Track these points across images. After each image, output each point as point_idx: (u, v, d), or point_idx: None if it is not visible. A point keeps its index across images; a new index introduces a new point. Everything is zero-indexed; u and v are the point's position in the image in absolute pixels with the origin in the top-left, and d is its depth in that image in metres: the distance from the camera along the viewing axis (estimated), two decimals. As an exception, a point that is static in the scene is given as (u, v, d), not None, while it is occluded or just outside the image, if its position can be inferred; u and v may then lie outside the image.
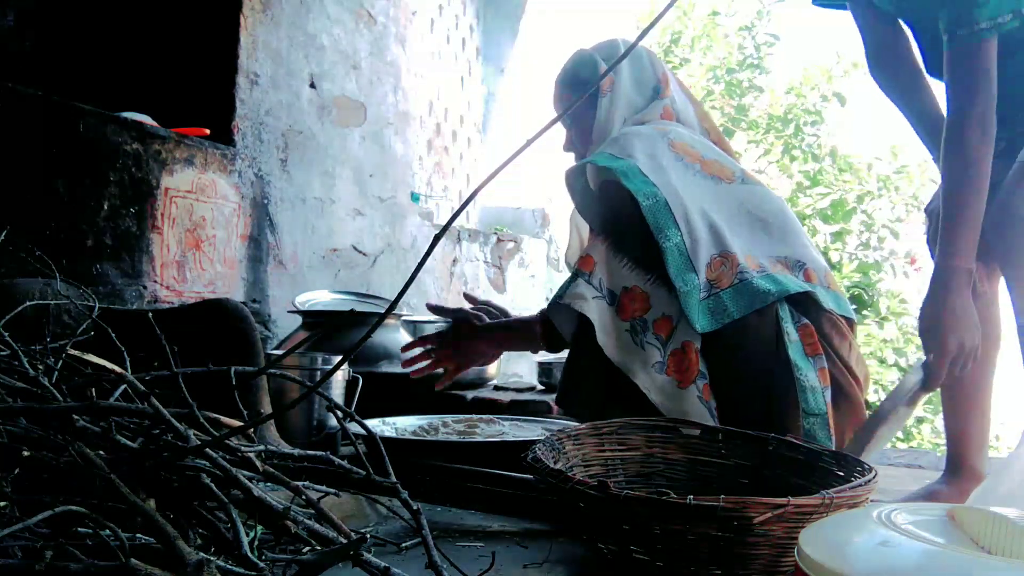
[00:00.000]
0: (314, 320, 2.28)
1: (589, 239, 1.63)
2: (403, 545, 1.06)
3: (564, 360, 1.67)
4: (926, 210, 1.67)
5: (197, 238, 2.28)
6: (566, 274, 1.81)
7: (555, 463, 1.14)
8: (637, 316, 1.48)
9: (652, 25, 0.84)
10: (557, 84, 1.79)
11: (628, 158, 1.52)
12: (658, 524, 0.94)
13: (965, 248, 1.37)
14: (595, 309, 1.50)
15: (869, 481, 1.00)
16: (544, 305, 1.72)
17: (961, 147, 1.36)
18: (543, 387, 2.50)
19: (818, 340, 1.46)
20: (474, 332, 1.71)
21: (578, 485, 0.99)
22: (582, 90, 1.73)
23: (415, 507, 0.86)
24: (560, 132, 1.85)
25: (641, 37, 0.77)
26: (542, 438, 1.66)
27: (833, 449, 1.27)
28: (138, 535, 0.80)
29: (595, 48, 1.77)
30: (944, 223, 1.39)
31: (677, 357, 1.43)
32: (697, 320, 1.41)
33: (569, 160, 1.83)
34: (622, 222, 1.51)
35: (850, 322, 1.54)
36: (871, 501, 1.12)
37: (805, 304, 1.49)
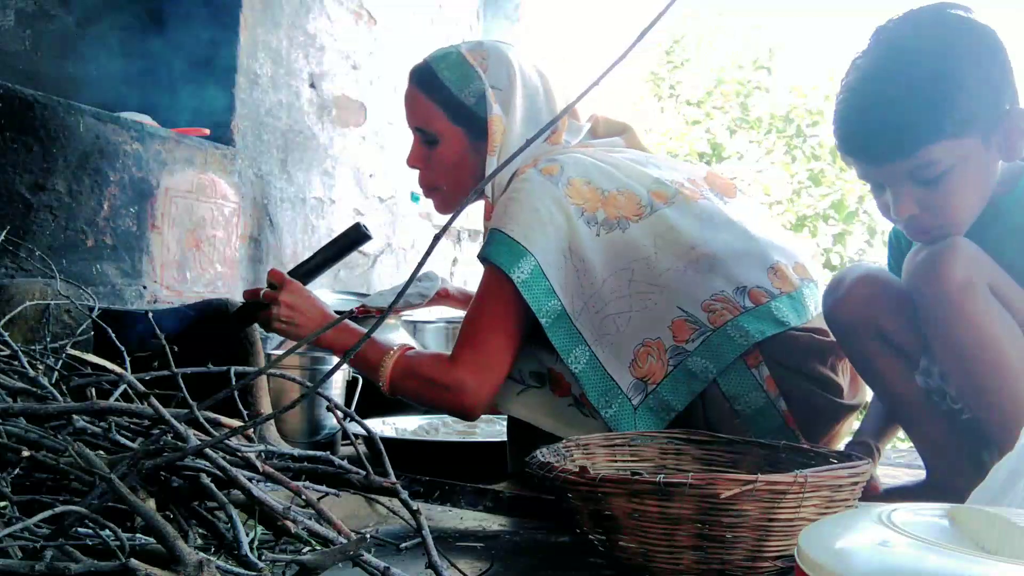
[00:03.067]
0: (314, 320, 2.28)
1: None
2: (403, 545, 1.07)
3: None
4: None
5: (197, 238, 2.28)
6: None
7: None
8: (567, 394, 1.43)
9: (651, 26, 0.84)
10: (419, 86, 1.52)
11: (528, 250, 1.34)
12: (635, 505, 0.94)
13: None
14: (524, 407, 1.44)
15: (853, 467, 0.99)
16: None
17: None
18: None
19: (759, 355, 1.37)
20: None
21: (561, 473, 1.01)
22: (438, 92, 1.49)
23: (415, 507, 0.86)
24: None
25: (640, 38, 0.77)
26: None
27: (837, 450, 1.26)
28: (138, 535, 0.80)
29: (463, 44, 1.54)
30: None
31: None
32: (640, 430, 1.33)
33: None
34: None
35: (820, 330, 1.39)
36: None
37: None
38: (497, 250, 1.37)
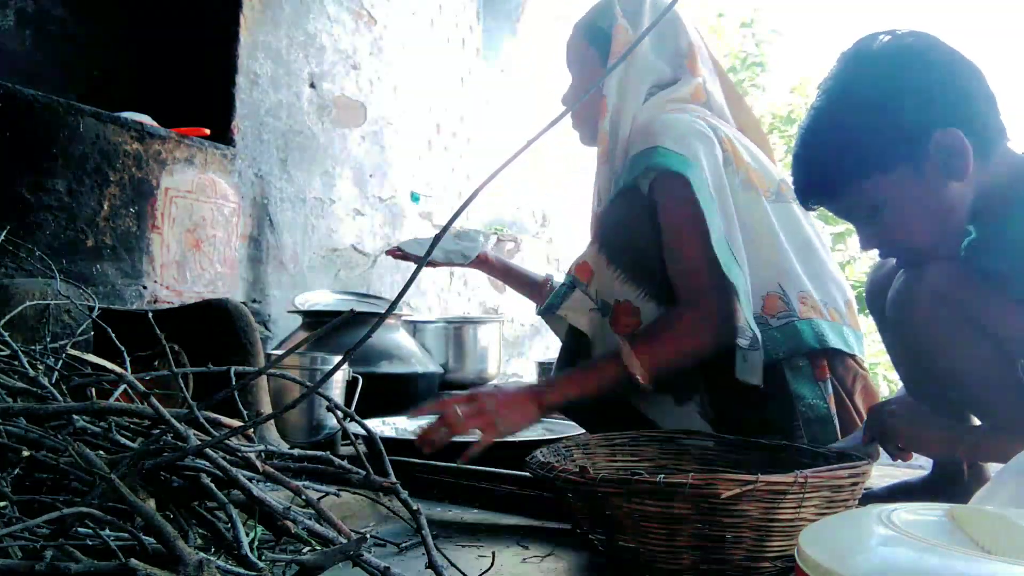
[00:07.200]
0: (314, 320, 2.28)
1: (589, 244, 1.52)
2: (403, 545, 1.07)
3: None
4: None
5: (197, 238, 2.28)
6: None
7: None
8: (628, 331, 1.42)
9: (652, 26, 0.84)
10: (576, 29, 1.66)
11: (695, 161, 1.36)
12: (635, 505, 0.94)
13: None
14: (588, 324, 1.46)
15: (853, 467, 0.98)
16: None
17: None
18: (543, 387, 2.49)
19: (827, 369, 1.42)
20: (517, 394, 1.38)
21: (562, 473, 1.01)
22: (600, 41, 1.58)
23: (415, 507, 0.86)
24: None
25: (642, 38, 0.77)
26: (542, 438, 1.66)
27: (842, 451, 1.26)
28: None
29: None
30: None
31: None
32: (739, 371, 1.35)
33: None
34: (630, 230, 1.44)
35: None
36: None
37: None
38: (667, 160, 1.35)
